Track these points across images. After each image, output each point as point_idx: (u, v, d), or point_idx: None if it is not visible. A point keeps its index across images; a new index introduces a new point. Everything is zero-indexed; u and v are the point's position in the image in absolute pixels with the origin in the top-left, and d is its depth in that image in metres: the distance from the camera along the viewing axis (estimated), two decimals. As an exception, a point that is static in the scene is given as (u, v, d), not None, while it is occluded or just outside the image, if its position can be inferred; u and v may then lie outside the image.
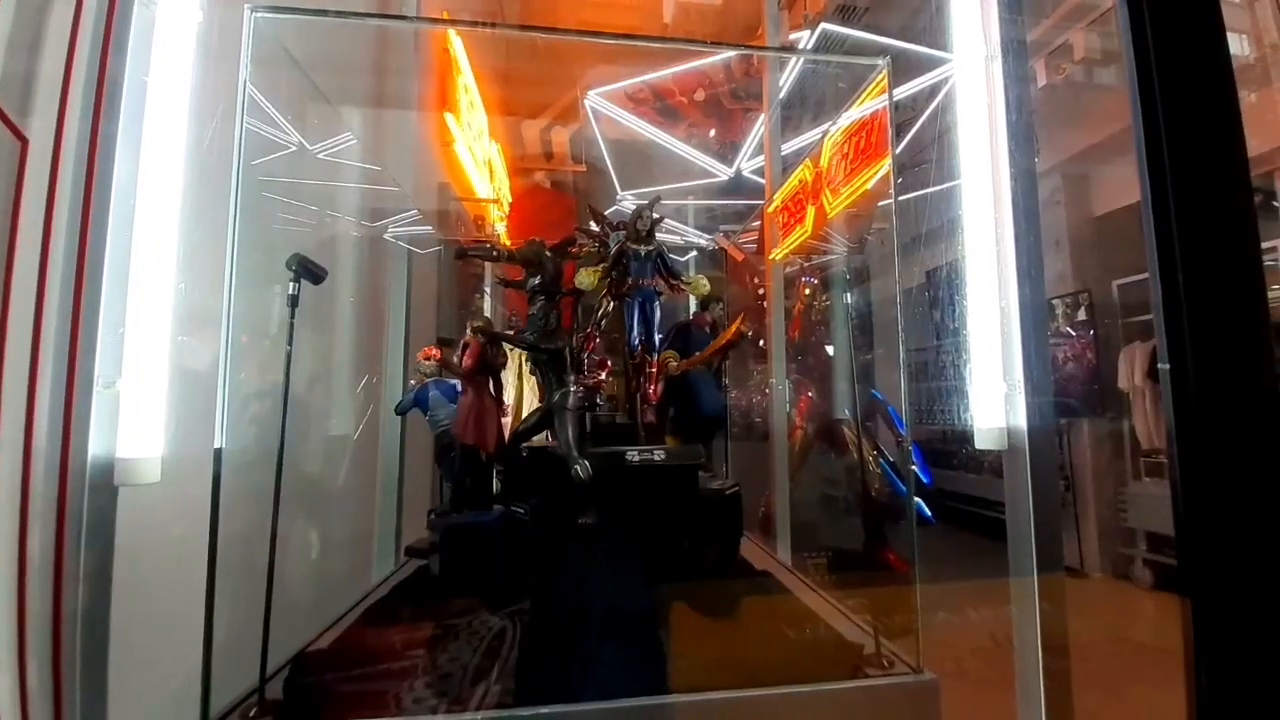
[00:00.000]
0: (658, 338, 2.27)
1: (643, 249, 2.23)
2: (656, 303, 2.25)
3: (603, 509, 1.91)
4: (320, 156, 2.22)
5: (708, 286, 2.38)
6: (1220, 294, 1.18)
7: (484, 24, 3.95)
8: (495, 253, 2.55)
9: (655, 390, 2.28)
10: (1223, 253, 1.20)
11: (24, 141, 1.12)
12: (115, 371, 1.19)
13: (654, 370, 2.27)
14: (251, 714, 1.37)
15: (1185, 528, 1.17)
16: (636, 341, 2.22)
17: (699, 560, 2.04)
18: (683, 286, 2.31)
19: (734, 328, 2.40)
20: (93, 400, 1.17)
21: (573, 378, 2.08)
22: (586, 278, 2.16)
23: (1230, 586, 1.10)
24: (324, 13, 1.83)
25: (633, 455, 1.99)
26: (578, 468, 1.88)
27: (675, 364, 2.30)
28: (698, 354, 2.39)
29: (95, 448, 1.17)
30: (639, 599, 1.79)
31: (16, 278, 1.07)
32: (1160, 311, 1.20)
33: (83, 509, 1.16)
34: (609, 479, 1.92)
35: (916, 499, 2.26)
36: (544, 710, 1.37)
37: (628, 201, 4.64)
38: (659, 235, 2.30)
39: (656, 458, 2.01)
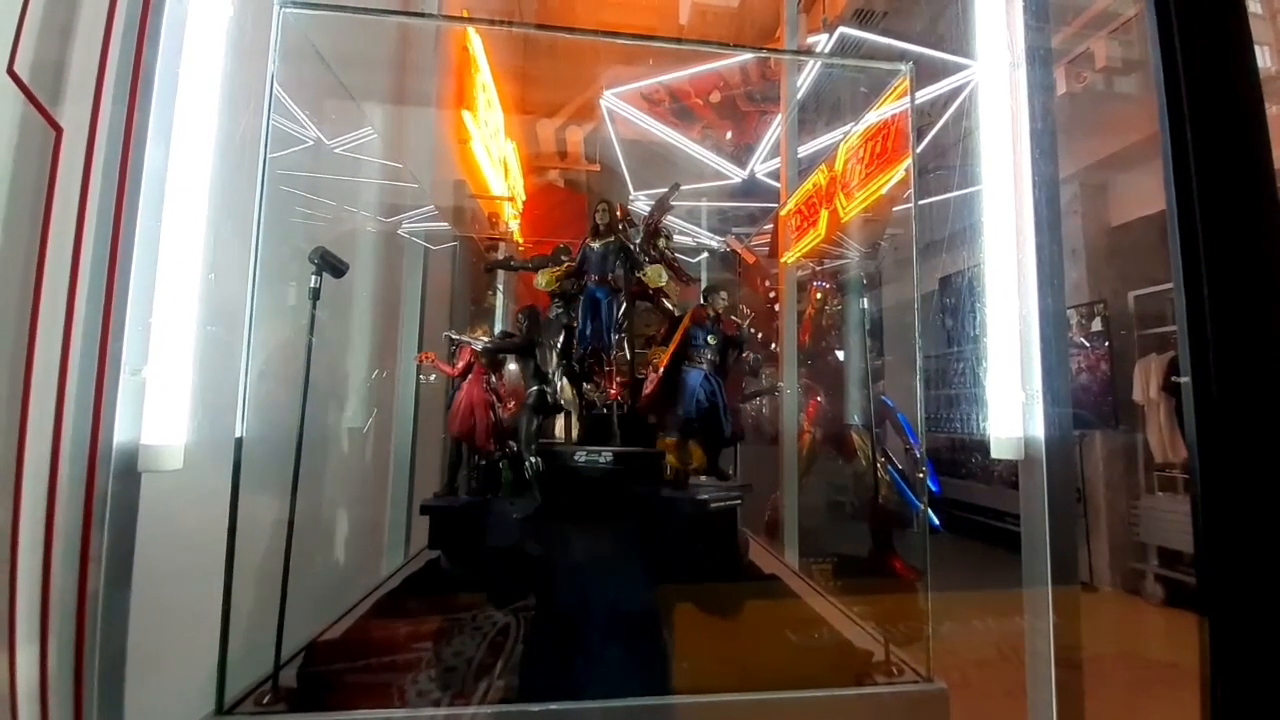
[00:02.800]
0: (613, 335, 2.25)
1: (598, 244, 2.22)
2: (611, 299, 2.23)
3: (549, 506, 1.96)
4: (342, 152, 2.24)
5: (664, 278, 2.29)
6: (1245, 307, 1.17)
7: (503, 22, 3.97)
8: (514, 263, 2.59)
9: (615, 390, 2.27)
10: (1248, 265, 1.19)
11: (58, 130, 1.14)
12: (142, 359, 1.21)
13: (609, 369, 2.25)
14: (265, 700, 1.39)
15: (1205, 545, 1.16)
16: (586, 339, 2.22)
17: (668, 570, 1.86)
18: (641, 279, 2.27)
19: (686, 322, 2.24)
20: (119, 387, 1.19)
21: (539, 374, 2.16)
22: (542, 279, 2.20)
23: (1249, 606, 1.09)
24: (349, 9, 1.85)
25: (579, 455, 2.01)
26: (527, 464, 2.00)
27: (657, 361, 2.23)
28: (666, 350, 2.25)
29: (121, 434, 1.19)
30: (573, 596, 1.78)
31: (49, 264, 1.09)
32: (1184, 324, 1.19)
33: (107, 493, 1.18)
34: (557, 477, 1.99)
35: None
36: (553, 706, 1.38)
37: (640, 201, 4.65)
38: (674, 231, 2.29)
39: (601, 460, 2.00)
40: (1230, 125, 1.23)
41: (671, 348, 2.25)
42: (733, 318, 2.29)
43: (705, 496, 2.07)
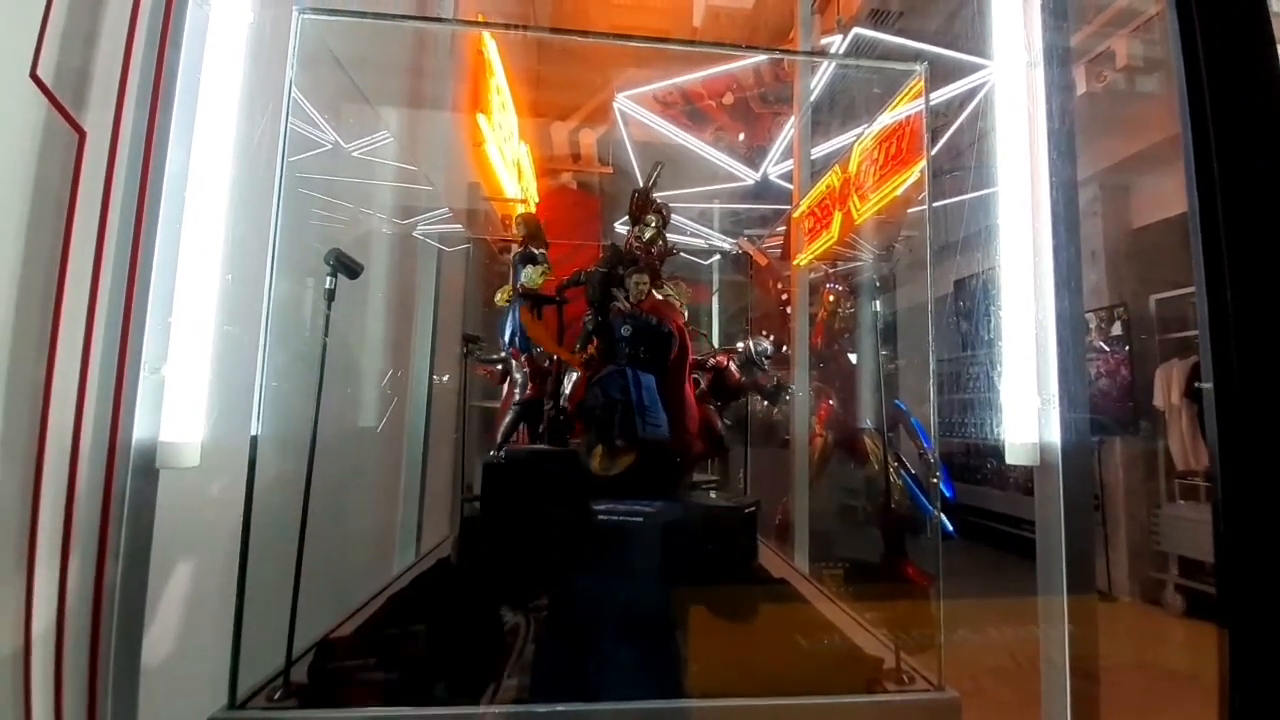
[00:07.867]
0: (511, 336, 2.35)
1: (514, 255, 2.38)
2: (519, 305, 2.34)
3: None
4: (358, 155, 2.28)
5: (539, 278, 2.30)
6: (1270, 311, 1.14)
7: (518, 26, 4.00)
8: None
9: (531, 389, 2.37)
10: (1273, 268, 1.16)
11: (81, 134, 1.17)
12: (161, 358, 1.24)
13: (526, 370, 2.36)
14: (277, 696, 1.40)
15: (1225, 554, 1.13)
16: (505, 346, 2.36)
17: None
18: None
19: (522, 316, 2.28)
20: (139, 385, 1.21)
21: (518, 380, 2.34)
22: (497, 296, 2.39)
23: (1270, 617, 1.06)
24: (366, 14, 1.88)
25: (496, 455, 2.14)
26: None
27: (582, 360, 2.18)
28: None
29: (140, 431, 1.22)
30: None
31: (72, 264, 1.12)
32: (1206, 329, 1.16)
33: (126, 489, 1.20)
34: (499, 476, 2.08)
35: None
36: (560, 708, 1.38)
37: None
38: (676, 229, 2.30)
39: (500, 459, 2.12)
40: (1254, 126, 1.20)
41: (549, 344, 2.25)
42: (619, 305, 2.09)
43: (602, 507, 1.86)
